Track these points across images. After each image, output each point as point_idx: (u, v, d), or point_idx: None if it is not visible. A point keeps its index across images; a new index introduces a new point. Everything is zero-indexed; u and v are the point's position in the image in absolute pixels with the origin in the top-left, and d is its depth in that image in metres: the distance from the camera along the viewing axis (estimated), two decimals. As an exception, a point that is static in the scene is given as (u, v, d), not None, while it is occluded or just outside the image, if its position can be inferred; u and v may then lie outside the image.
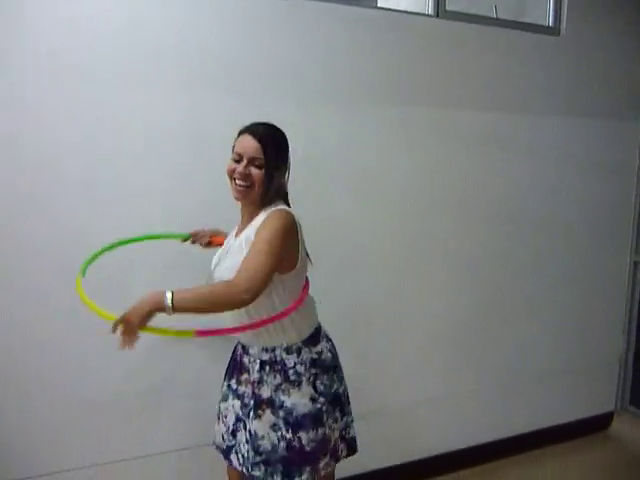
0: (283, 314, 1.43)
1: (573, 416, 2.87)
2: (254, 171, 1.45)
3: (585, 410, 2.91)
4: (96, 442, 1.89)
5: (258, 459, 1.48)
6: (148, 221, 1.86)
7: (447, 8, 2.33)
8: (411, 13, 2.32)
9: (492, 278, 2.56)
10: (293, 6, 2.01)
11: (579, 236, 2.75)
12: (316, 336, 1.55)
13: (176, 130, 1.89)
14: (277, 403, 1.47)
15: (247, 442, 1.53)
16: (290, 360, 1.49)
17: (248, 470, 1.52)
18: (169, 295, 1.25)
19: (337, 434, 1.58)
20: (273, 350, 1.49)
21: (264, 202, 1.48)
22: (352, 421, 1.66)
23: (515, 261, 2.61)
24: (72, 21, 1.72)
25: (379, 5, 2.36)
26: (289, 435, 1.46)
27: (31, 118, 1.71)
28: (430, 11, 2.32)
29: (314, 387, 1.49)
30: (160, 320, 1.28)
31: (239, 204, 1.55)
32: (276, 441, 1.46)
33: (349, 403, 1.65)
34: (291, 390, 1.47)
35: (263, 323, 1.43)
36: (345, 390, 1.62)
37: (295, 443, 1.46)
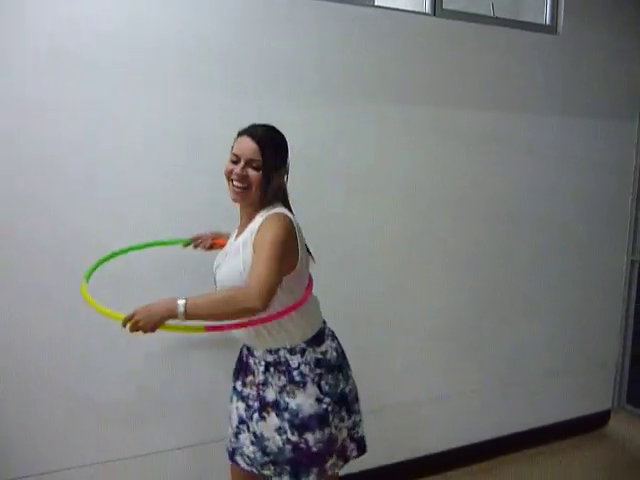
0: (281, 313, 1.42)
1: (570, 414, 2.88)
2: (251, 173, 1.44)
3: (582, 408, 2.92)
4: (97, 441, 1.89)
5: (267, 459, 1.49)
6: (148, 221, 1.87)
7: (444, 7, 2.33)
8: (408, 12, 2.33)
9: (491, 277, 2.57)
10: (291, 5, 2.01)
11: (577, 235, 2.76)
12: (320, 336, 1.54)
13: (175, 130, 1.89)
14: (282, 405, 1.47)
15: (252, 444, 1.53)
16: (294, 361, 1.48)
17: (258, 470, 1.53)
18: (182, 302, 1.25)
19: (345, 434, 1.56)
20: (277, 351, 1.49)
21: (262, 204, 1.48)
22: (361, 420, 1.64)
23: (514, 260, 2.62)
24: (72, 21, 1.73)
25: (376, 4, 2.37)
26: (295, 438, 1.45)
27: (31, 117, 1.71)
28: (427, 10, 2.33)
29: (319, 387, 1.48)
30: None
31: (237, 205, 1.55)
32: (281, 444, 1.46)
33: (357, 402, 1.62)
34: (296, 391, 1.46)
35: (263, 321, 1.42)
36: (352, 389, 1.60)
37: (302, 445, 1.45)
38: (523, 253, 2.64)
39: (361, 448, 1.64)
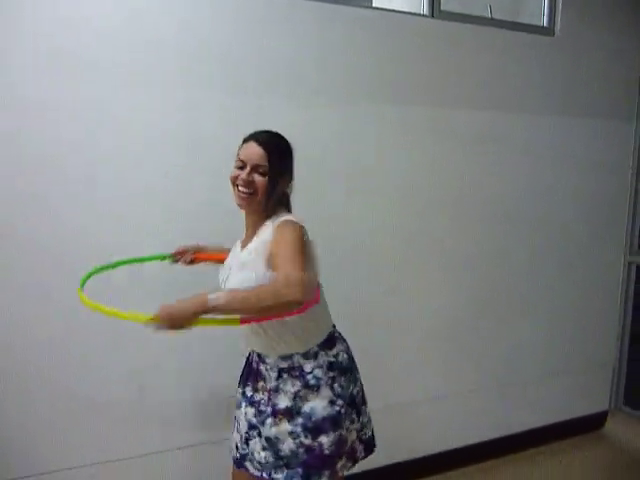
0: (300, 310, 1.36)
1: (568, 415, 2.89)
2: (257, 178, 1.43)
3: (580, 409, 2.93)
4: (97, 441, 1.89)
5: (280, 463, 1.48)
6: (148, 221, 1.87)
7: (442, 8, 2.35)
8: (406, 13, 2.34)
9: (488, 277, 2.58)
10: (291, 5, 2.02)
11: (574, 235, 2.78)
12: (332, 339, 1.54)
13: (175, 130, 1.90)
14: (295, 411, 1.46)
15: (263, 449, 1.52)
16: (308, 365, 1.47)
17: (269, 474, 1.51)
18: (213, 296, 1.22)
19: (354, 435, 1.56)
20: (291, 357, 1.48)
21: (267, 210, 1.47)
22: (369, 421, 1.64)
23: (511, 260, 2.63)
24: (72, 21, 1.73)
25: (374, 5, 2.38)
26: (308, 441, 1.44)
27: (31, 117, 1.72)
28: (425, 11, 2.34)
29: (332, 390, 1.47)
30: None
31: (242, 212, 1.53)
32: (294, 447, 1.46)
33: (365, 403, 1.62)
34: (310, 395, 1.46)
35: (269, 318, 1.40)
36: (360, 391, 1.60)
37: (316, 448, 1.45)
38: (520, 253, 2.65)
39: (368, 448, 1.64)
